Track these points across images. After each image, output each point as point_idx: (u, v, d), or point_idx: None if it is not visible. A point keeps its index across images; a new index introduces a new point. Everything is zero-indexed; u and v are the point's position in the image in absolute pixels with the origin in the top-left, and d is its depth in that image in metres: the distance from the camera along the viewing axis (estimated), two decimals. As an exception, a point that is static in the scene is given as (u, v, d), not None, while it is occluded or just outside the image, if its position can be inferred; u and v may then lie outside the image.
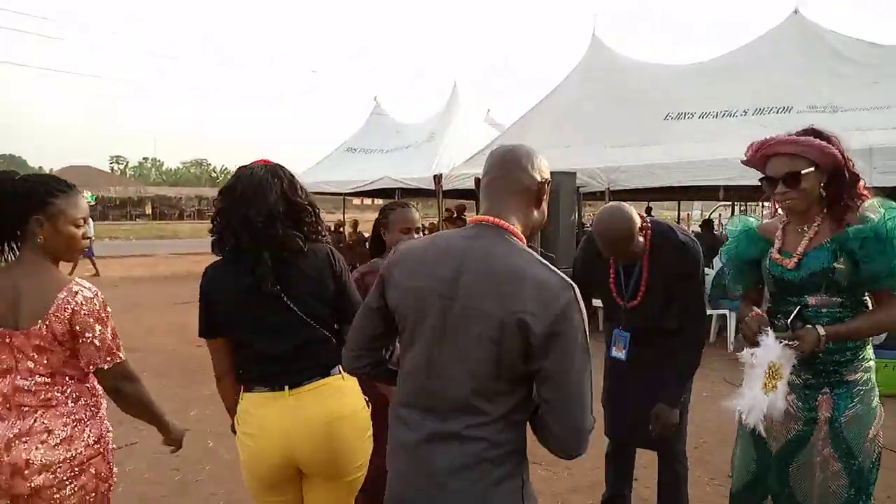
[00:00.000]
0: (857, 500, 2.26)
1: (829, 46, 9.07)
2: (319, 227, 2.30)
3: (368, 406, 2.36)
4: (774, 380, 2.26)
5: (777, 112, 8.36)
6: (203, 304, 2.25)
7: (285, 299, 2.17)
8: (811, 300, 2.30)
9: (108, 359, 2.10)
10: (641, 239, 2.80)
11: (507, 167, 1.68)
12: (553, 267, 1.57)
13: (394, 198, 17.84)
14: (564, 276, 1.55)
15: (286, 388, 2.18)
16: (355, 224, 16.05)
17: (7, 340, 2.00)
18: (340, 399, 2.24)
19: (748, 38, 10.25)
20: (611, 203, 2.85)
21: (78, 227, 2.11)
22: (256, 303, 2.16)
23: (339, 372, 2.24)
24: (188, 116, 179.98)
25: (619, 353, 3.00)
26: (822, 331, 2.21)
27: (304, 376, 2.20)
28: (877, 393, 2.34)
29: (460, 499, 1.54)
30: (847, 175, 2.24)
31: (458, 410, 1.56)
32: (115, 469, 2.28)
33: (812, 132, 2.27)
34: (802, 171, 2.22)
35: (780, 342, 2.25)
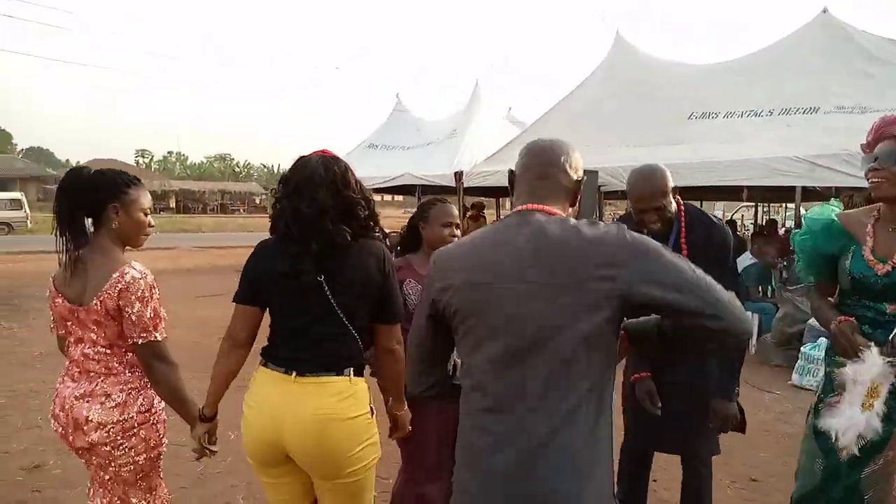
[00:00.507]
0: None
1: (858, 46, 8.91)
2: (372, 223, 2.30)
3: (372, 414, 2.29)
4: (872, 398, 2.16)
5: (804, 112, 8.24)
6: (244, 274, 2.34)
7: (326, 290, 2.19)
8: (889, 307, 2.22)
9: (143, 335, 2.27)
10: (674, 209, 2.75)
11: (546, 167, 1.70)
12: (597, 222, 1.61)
13: (414, 195, 17.90)
14: (609, 224, 1.60)
15: (294, 373, 2.20)
16: (376, 220, 16.07)
17: (77, 315, 2.31)
18: (341, 401, 2.19)
19: (776, 37, 10.11)
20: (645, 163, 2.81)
21: (146, 214, 2.40)
22: (293, 288, 2.21)
23: (351, 374, 2.22)
24: (211, 112, 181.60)
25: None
26: None
27: (316, 367, 2.20)
28: None
29: (598, 494, 1.50)
30: None
31: (553, 396, 1.48)
32: (165, 440, 2.47)
33: None
34: None
35: (884, 360, 2.13)
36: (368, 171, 14.18)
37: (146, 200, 2.41)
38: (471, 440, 1.56)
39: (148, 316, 2.27)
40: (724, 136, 8.39)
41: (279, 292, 2.24)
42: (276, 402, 2.21)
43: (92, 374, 2.33)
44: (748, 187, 8.50)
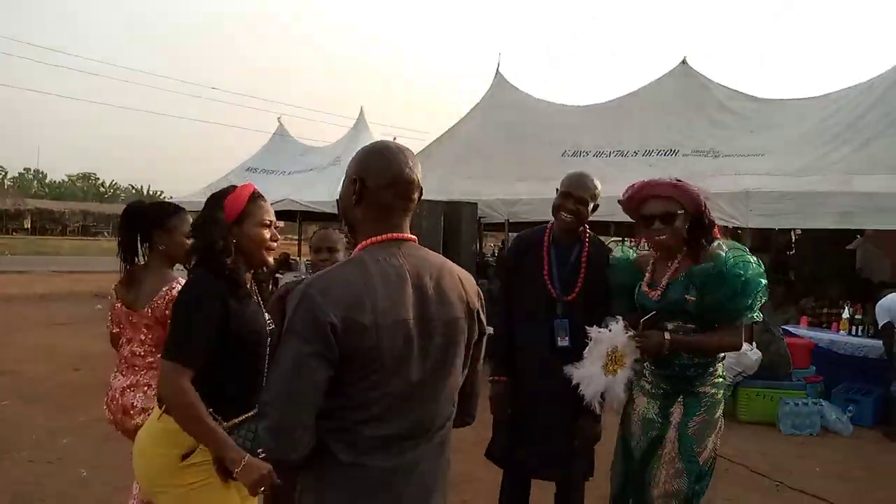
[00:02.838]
0: (692, 499, 2.61)
1: (713, 96, 9.74)
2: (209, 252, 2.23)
3: (181, 461, 2.07)
4: (616, 365, 2.60)
5: (664, 154, 8.89)
6: None
7: None
8: (669, 325, 2.64)
9: None
10: (586, 228, 3.03)
11: (410, 187, 1.60)
12: None
13: (295, 220, 17.57)
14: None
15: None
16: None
17: (131, 318, 2.82)
18: (142, 434, 2.22)
19: (641, 83, 10.86)
20: None
21: (188, 238, 2.52)
22: None
23: (160, 406, 2.13)
24: (76, 126, 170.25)
25: (563, 342, 2.89)
26: (667, 336, 2.57)
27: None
28: (721, 408, 2.71)
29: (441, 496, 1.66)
30: (706, 220, 2.62)
31: (443, 423, 1.62)
32: None
33: (678, 182, 2.64)
34: (678, 212, 2.58)
35: (627, 332, 2.58)
36: (246, 195, 13.79)
37: (186, 226, 2.79)
38: (368, 472, 1.51)
39: None
40: (594, 173, 8.83)
41: None
42: None
43: (137, 367, 2.82)
44: (615, 223, 9.00)
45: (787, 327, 7.23)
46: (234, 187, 2.23)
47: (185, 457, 2.06)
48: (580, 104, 11.56)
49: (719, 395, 2.69)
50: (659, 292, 2.64)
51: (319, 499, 1.53)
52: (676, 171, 8.19)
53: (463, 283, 1.65)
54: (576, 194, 2.92)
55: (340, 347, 1.43)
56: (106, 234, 52.34)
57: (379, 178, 1.57)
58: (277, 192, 12.87)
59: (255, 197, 2.23)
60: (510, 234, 9.23)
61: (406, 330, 1.50)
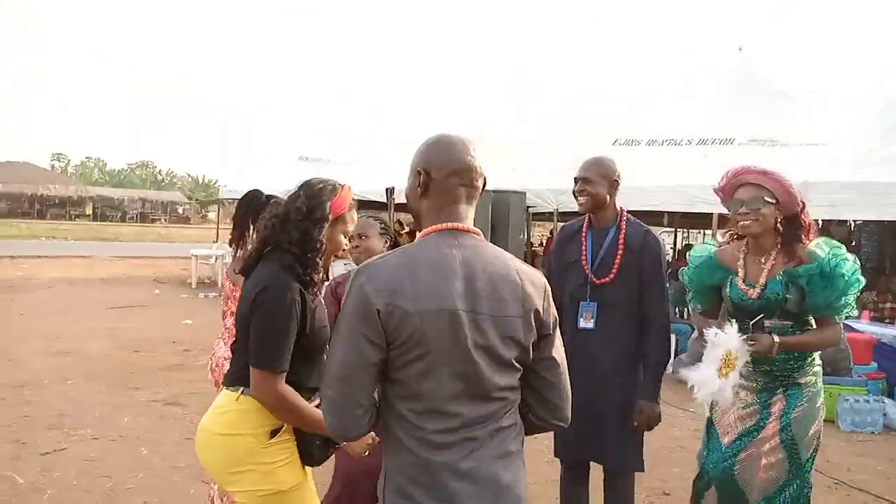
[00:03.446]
0: (793, 484, 2.62)
1: (770, 84, 9.45)
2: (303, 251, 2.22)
3: (270, 438, 2.14)
4: (728, 368, 2.60)
5: (720, 143, 8.67)
6: None
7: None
8: (766, 322, 2.66)
9: None
10: (622, 212, 3.02)
11: (471, 174, 1.64)
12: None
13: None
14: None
15: (226, 385, 2.26)
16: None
17: (235, 294, 2.99)
18: (218, 415, 2.18)
19: (696, 72, 10.61)
20: None
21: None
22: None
23: (240, 392, 2.15)
24: (135, 117, 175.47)
25: (587, 323, 2.97)
26: (776, 339, 2.59)
27: (224, 379, 2.28)
28: (822, 396, 2.73)
29: (515, 491, 1.62)
30: (801, 219, 2.62)
31: (500, 419, 1.60)
32: None
33: (769, 171, 2.64)
34: (766, 198, 2.58)
35: (740, 336, 2.59)
36: (297, 183, 14.01)
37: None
38: (427, 458, 1.53)
39: None
40: (647, 162, 8.72)
41: None
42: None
43: None
44: (668, 212, 8.85)
45: (847, 322, 7.01)
46: (335, 185, 2.25)
47: (273, 434, 2.13)
48: (633, 92, 11.35)
49: (819, 384, 2.72)
50: (758, 290, 2.65)
51: (400, 491, 1.57)
52: (732, 161, 7.99)
53: (523, 280, 1.60)
54: (581, 176, 2.99)
55: (386, 332, 1.50)
56: (163, 220, 53.92)
57: (442, 168, 1.63)
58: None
59: (352, 205, 2.31)
60: (559, 223, 9.16)
61: (455, 320, 1.51)
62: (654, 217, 10.68)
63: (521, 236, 8.28)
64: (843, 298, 2.56)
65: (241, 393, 2.13)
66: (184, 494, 3.91)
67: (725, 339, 2.60)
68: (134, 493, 3.90)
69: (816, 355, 2.74)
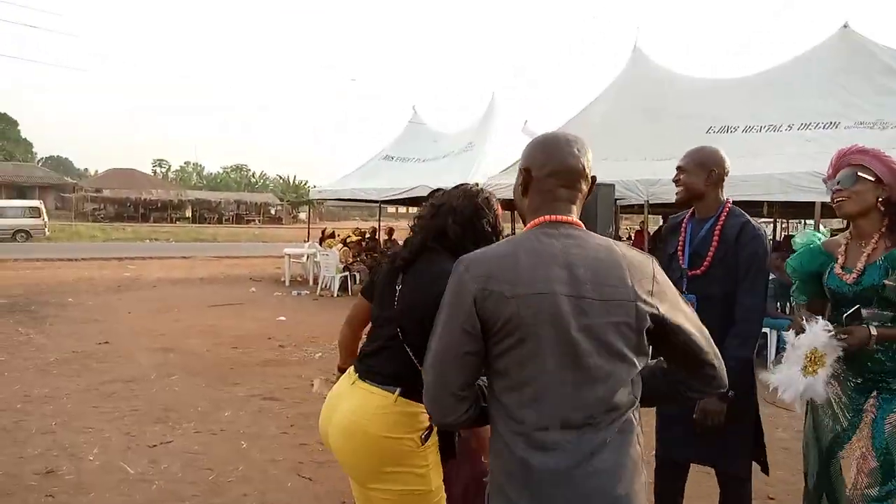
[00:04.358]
0: (887, 498, 2.36)
1: (880, 61, 8.83)
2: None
3: (422, 442, 2.19)
4: (816, 365, 2.43)
5: (824, 128, 8.17)
6: (373, 271, 2.63)
7: (396, 296, 2.27)
8: (864, 312, 2.42)
9: None
10: (726, 203, 2.91)
11: (572, 173, 1.65)
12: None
13: (429, 206, 17.84)
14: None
15: (356, 374, 2.28)
16: (390, 231, 16.13)
17: None
18: (376, 416, 2.16)
19: (796, 52, 10.06)
20: None
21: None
22: (388, 291, 2.32)
23: (397, 393, 2.16)
24: (229, 124, 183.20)
25: None
26: (873, 330, 2.34)
27: (371, 375, 2.24)
28: None
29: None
30: None
31: (611, 411, 1.50)
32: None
33: (869, 149, 2.45)
34: (859, 174, 2.40)
35: (828, 331, 2.39)
36: (384, 182, 14.25)
37: None
38: (524, 458, 1.48)
39: None
40: (743, 150, 8.32)
41: (381, 290, 2.37)
42: (336, 396, 2.33)
43: None
44: (768, 202, 8.42)
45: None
46: (488, 192, 2.37)
47: (426, 438, 2.18)
48: (727, 77, 10.87)
49: None
50: (855, 276, 2.43)
51: (500, 491, 1.54)
52: (837, 146, 7.53)
53: (630, 264, 1.55)
54: (678, 165, 2.95)
55: (483, 318, 1.50)
56: (257, 221, 56.01)
57: (543, 168, 1.65)
58: (413, 179, 13.17)
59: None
60: (650, 216, 8.88)
61: (554, 304, 1.47)
62: (753, 207, 10.19)
63: (610, 230, 8.07)
64: None
65: (399, 394, 2.16)
66: (282, 487, 4.01)
67: (806, 339, 2.44)
68: (234, 485, 4.04)
69: None
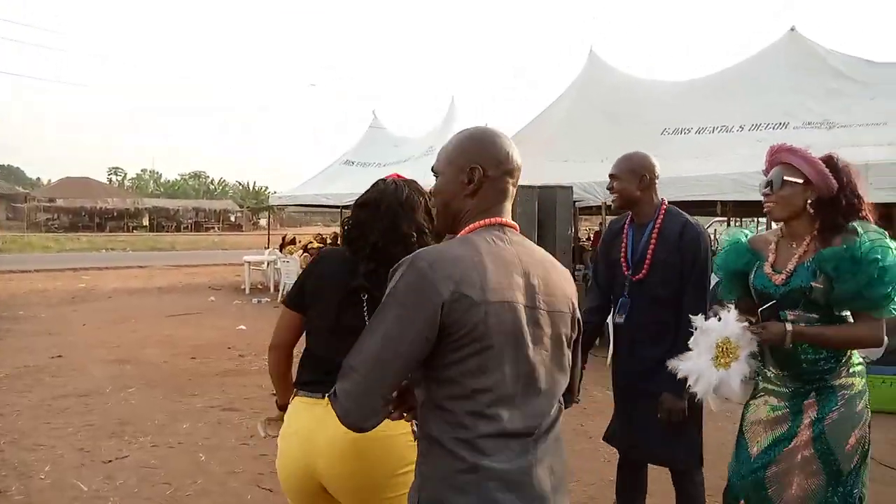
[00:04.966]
0: (834, 500, 2.31)
1: (826, 64, 9.10)
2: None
3: (415, 440, 2.19)
4: (728, 358, 2.38)
5: (773, 128, 8.37)
6: (303, 277, 2.32)
7: (365, 311, 2.14)
8: (789, 315, 2.38)
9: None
10: (661, 204, 3.01)
11: (516, 173, 1.62)
12: None
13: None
14: None
15: (325, 396, 2.05)
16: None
17: None
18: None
19: (744, 55, 10.31)
20: None
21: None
22: (341, 302, 2.17)
23: None
24: (186, 131, 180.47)
25: (619, 318, 3.03)
26: (789, 327, 2.31)
27: None
28: (865, 399, 2.43)
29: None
30: (844, 202, 2.33)
31: (552, 420, 1.55)
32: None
33: (826, 158, 2.38)
34: (785, 177, 2.35)
35: (741, 323, 2.37)
36: (345, 187, 14.15)
37: None
38: (474, 463, 1.43)
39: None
40: (697, 151, 8.50)
41: (329, 298, 2.19)
42: (308, 428, 2.13)
43: None
44: (721, 202, 8.60)
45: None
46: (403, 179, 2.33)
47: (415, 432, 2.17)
48: (679, 80, 11.09)
49: (859, 385, 2.41)
50: (784, 277, 2.38)
51: (435, 497, 1.46)
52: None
53: (564, 277, 1.61)
54: (611, 173, 3.02)
55: (447, 322, 1.39)
56: (216, 228, 55.16)
57: (498, 166, 1.57)
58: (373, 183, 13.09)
59: None
60: (608, 217, 9.00)
61: (515, 313, 1.45)
62: (707, 207, 10.39)
63: (569, 231, 8.15)
64: (878, 289, 2.20)
65: None
66: (241, 499, 3.95)
67: (717, 326, 2.41)
68: (193, 499, 3.96)
69: (854, 356, 2.43)
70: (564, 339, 1.56)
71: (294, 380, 2.26)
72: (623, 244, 3.05)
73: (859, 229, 2.30)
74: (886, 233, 2.31)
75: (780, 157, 2.42)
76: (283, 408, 2.36)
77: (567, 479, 1.60)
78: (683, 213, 3.02)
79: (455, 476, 1.44)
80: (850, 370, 2.40)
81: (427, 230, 2.20)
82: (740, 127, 8.74)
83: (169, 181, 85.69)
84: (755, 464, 2.44)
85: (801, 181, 2.34)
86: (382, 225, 2.17)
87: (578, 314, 1.64)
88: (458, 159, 1.59)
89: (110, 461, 4.49)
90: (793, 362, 2.39)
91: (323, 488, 2.14)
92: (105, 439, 4.91)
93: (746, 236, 2.68)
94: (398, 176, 2.34)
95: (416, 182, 2.33)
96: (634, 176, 2.95)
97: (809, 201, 2.35)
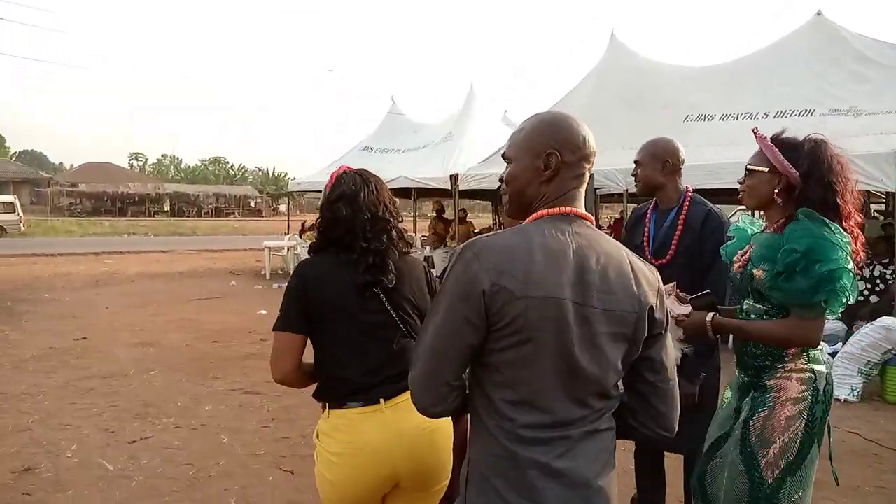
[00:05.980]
0: None
1: (853, 49, 8.92)
2: (406, 238, 2.28)
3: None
4: None
5: (799, 115, 8.23)
6: (298, 298, 2.11)
7: (384, 301, 2.12)
8: (745, 304, 2.34)
9: None
10: (686, 191, 2.99)
11: (590, 160, 1.56)
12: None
13: (410, 197, 17.88)
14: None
15: (381, 400, 2.07)
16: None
17: None
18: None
19: (771, 40, 10.13)
20: None
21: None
22: (357, 302, 2.10)
23: None
24: (207, 116, 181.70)
25: None
26: (709, 316, 2.30)
27: (401, 387, 2.07)
28: (803, 405, 2.18)
29: (606, 495, 1.50)
30: (811, 191, 2.17)
31: (596, 412, 1.49)
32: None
33: (799, 142, 2.26)
34: (748, 166, 2.33)
35: (676, 309, 2.35)
36: (364, 173, 14.17)
37: None
38: (513, 450, 1.44)
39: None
40: (721, 138, 8.39)
41: (342, 308, 2.11)
42: (379, 439, 2.06)
43: None
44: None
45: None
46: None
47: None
48: (703, 65, 10.93)
49: (795, 391, 2.18)
50: (740, 265, 2.32)
51: (483, 481, 1.49)
52: (813, 133, 7.60)
53: (637, 275, 1.50)
54: (635, 160, 3.04)
55: (489, 313, 1.40)
56: (236, 213, 55.58)
57: (576, 150, 1.53)
58: (393, 170, 13.13)
59: None
60: (629, 205, 8.94)
61: (560, 310, 1.41)
62: (730, 195, 10.27)
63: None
64: (795, 282, 2.06)
65: None
66: (263, 481, 4.00)
67: None
68: (215, 480, 4.02)
69: (809, 354, 2.21)
70: (624, 339, 1.47)
71: (327, 396, 2.16)
72: (646, 228, 3.06)
73: (801, 216, 2.16)
74: (839, 226, 2.12)
75: (758, 144, 2.34)
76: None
77: (614, 469, 1.54)
78: (707, 201, 3.00)
79: (498, 461, 1.46)
80: (792, 373, 2.20)
81: (394, 213, 2.26)
82: (765, 114, 8.60)
83: (189, 167, 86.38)
84: (702, 461, 2.42)
85: (766, 169, 2.26)
86: (365, 216, 2.15)
87: (655, 312, 1.50)
88: (535, 145, 1.54)
89: (134, 441, 4.57)
90: (739, 352, 2.36)
91: (391, 488, 2.16)
92: (129, 420, 4.99)
93: (748, 224, 2.56)
94: (349, 168, 2.32)
95: (366, 170, 2.34)
96: (657, 161, 2.95)
97: (777, 190, 2.24)
